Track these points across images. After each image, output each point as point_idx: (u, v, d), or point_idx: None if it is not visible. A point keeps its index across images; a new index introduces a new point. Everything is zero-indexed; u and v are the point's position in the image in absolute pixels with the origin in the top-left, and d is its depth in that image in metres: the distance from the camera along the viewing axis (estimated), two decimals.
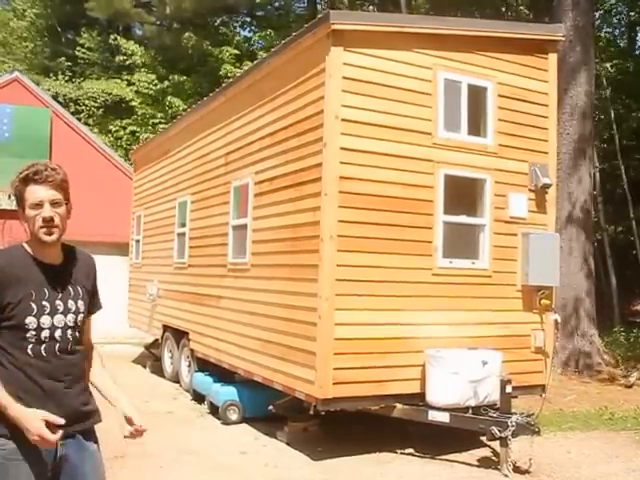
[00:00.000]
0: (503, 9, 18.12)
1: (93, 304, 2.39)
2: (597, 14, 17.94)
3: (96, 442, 2.34)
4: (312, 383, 5.49)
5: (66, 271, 2.27)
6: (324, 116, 5.61)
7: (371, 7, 21.87)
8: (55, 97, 18.98)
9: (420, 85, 6.00)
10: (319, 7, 23.27)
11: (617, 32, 21.62)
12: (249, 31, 24.63)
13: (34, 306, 2.15)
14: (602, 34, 19.76)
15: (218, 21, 23.46)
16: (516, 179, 6.47)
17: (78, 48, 22.20)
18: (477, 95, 6.36)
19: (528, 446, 5.38)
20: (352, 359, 5.51)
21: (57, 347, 2.19)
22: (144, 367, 10.68)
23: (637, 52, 21.12)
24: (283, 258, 6.20)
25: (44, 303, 2.17)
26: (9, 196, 13.38)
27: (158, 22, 23.16)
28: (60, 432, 2.09)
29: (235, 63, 20.08)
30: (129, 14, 21.81)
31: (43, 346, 2.16)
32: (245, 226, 7.06)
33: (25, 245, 2.25)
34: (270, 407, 6.38)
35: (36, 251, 2.22)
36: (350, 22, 5.71)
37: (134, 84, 20.80)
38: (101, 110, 21.07)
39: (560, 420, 7.20)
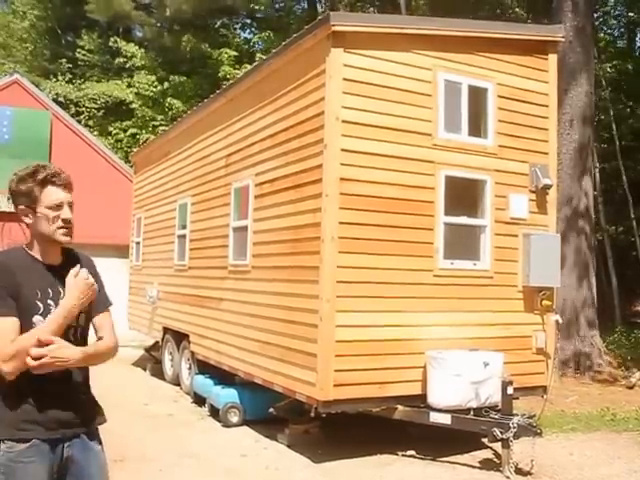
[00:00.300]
0: (498, 11, 18.11)
1: (99, 302, 2.37)
2: (596, 15, 17.94)
3: (100, 443, 2.36)
4: (313, 385, 5.47)
5: (65, 271, 2.28)
6: (325, 117, 5.60)
7: (371, 9, 21.87)
8: (56, 98, 19.02)
9: (420, 86, 5.99)
10: (319, 9, 23.28)
11: (617, 33, 21.63)
12: (249, 33, 24.67)
13: (40, 305, 2.17)
14: (602, 35, 19.76)
15: (218, 23, 23.48)
16: (517, 180, 6.46)
17: (78, 50, 22.23)
18: (477, 96, 6.36)
19: (530, 448, 5.35)
20: (353, 361, 5.50)
21: None
22: (144, 370, 10.66)
23: (637, 53, 21.12)
24: (284, 260, 6.19)
25: (49, 302, 2.19)
26: (8, 198, 13.39)
27: (158, 24, 23.17)
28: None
29: (235, 65, 20.08)
30: (129, 16, 21.82)
31: None
32: (246, 228, 7.06)
33: (24, 246, 2.27)
34: (271, 409, 6.37)
35: (38, 252, 2.24)
36: (350, 23, 5.71)
37: (134, 86, 20.81)
38: (101, 112, 21.08)
39: (562, 421, 7.18)
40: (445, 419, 5.54)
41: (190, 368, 8.55)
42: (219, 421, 6.89)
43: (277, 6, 24.32)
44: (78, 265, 2.29)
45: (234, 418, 6.81)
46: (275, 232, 6.38)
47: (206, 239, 8.26)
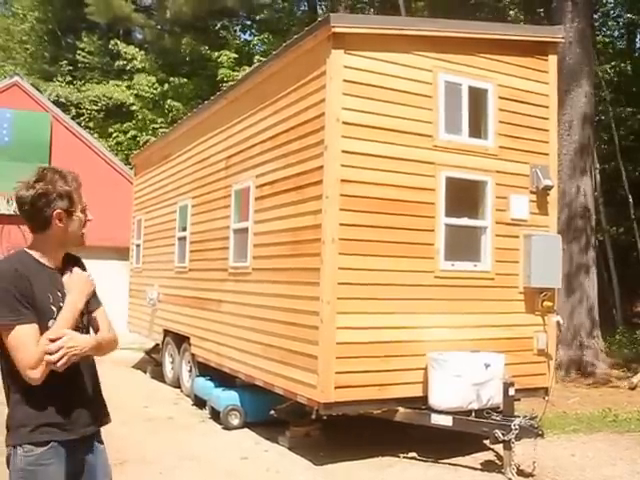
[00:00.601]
0: (495, 14, 18.09)
1: (92, 300, 2.39)
2: (596, 16, 17.95)
3: (102, 443, 2.40)
4: (314, 387, 5.46)
5: (64, 273, 2.30)
6: (325, 119, 5.60)
7: (371, 10, 21.88)
8: (57, 100, 19.03)
9: (421, 87, 5.99)
10: (320, 10, 23.30)
11: (616, 34, 21.63)
12: (249, 34, 24.68)
13: (54, 309, 2.18)
14: (601, 36, 19.76)
15: (219, 25, 23.50)
16: (517, 181, 6.45)
17: (78, 52, 22.24)
18: (478, 97, 6.36)
19: (532, 449, 5.33)
20: (354, 363, 5.48)
21: None
22: (145, 372, 10.64)
23: (636, 54, 21.12)
24: (284, 262, 6.18)
25: (61, 304, 2.21)
26: (7, 200, 13.39)
27: (158, 26, 23.19)
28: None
29: (235, 67, 20.09)
30: (129, 18, 21.84)
31: None
32: (246, 230, 7.05)
33: (28, 250, 2.26)
34: (272, 412, 6.35)
35: (44, 256, 2.24)
36: (351, 25, 5.70)
37: (134, 88, 20.82)
38: (101, 114, 21.09)
39: (563, 423, 7.17)
40: (446, 421, 5.53)
41: (191, 370, 8.53)
42: (220, 423, 6.87)
43: (277, 8, 24.31)
44: (76, 267, 2.32)
45: (235, 420, 6.79)
46: (276, 234, 6.37)
47: (206, 241, 8.25)
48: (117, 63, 21.52)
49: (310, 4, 24.31)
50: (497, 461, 5.65)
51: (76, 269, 2.30)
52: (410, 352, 5.74)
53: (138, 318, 11.30)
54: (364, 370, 5.52)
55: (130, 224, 12.37)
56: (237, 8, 22.71)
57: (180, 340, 8.94)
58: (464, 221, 6.27)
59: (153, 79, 20.83)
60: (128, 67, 21.19)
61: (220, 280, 7.66)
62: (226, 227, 7.59)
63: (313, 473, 5.40)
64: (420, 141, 5.95)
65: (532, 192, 6.52)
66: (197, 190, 8.72)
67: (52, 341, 2.09)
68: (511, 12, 17.57)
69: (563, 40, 7.28)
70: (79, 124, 17.49)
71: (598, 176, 15.37)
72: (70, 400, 2.19)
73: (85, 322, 2.32)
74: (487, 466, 5.59)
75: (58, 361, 2.07)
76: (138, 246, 11.70)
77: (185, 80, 20.94)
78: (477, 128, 6.38)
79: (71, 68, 22.48)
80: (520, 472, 5.30)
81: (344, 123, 5.56)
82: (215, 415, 7.09)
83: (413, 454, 5.82)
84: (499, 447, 5.55)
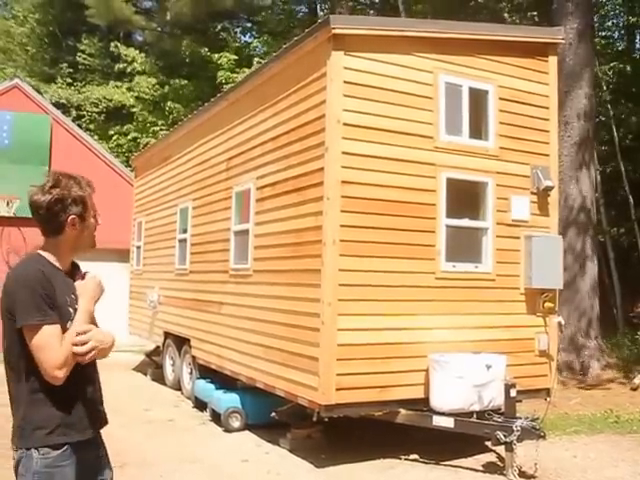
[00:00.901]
0: (493, 16, 18.08)
1: None
2: (596, 17, 17.95)
3: (103, 444, 2.41)
4: (315, 389, 5.45)
5: (72, 277, 2.34)
6: (325, 120, 5.59)
7: (372, 12, 21.89)
8: (58, 101, 19.03)
9: (421, 89, 5.99)
10: (320, 12, 23.31)
11: (616, 34, 21.63)
12: (250, 36, 24.69)
13: (72, 311, 2.21)
14: (601, 37, 19.77)
15: (219, 27, 23.51)
16: (518, 182, 6.45)
17: (79, 54, 22.25)
18: (478, 98, 6.35)
19: (533, 450, 5.33)
20: (355, 365, 5.47)
21: None
22: (145, 375, 10.63)
23: (636, 55, 21.11)
24: (285, 263, 6.17)
25: (76, 307, 2.24)
26: (7, 203, 13.38)
27: (158, 28, 23.21)
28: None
29: (235, 69, 20.10)
30: (129, 20, 21.83)
31: None
32: (247, 231, 7.04)
33: (42, 253, 2.26)
34: (273, 414, 6.34)
35: (57, 260, 2.26)
36: (351, 26, 5.70)
37: (134, 90, 20.83)
38: (102, 116, 21.10)
39: (565, 424, 7.15)
40: (448, 422, 5.52)
41: (191, 373, 8.52)
42: (220, 426, 6.86)
43: (277, 9, 24.33)
44: (85, 270, 2.37)
45: (236, 423, 6.78)
46: (276, 236, 6.36)
47: (207, 243, 8.25)
48: (117, 65, 21.53)
49: (310, 6, 24.33)
50: (499, 463, 5.64)
51: (89, 274, 2.34)
52: (411, 354, 5.73)
53: (138, 320, 11.28)
54: (365, 372, 5.51)
55: (130, 226, 12.36)
56: (237, 10, 22.75)
57: (181, 342, 8.93)
58: (465, 222, 6.26)
59: (153, 81, 20.85)
60: (128, 69, 21.20)
61: (221, 282, 7.65)
62: (227, 229, 7.58)
63: (314, 475, 5.38)
64: (421, 142, 5.94)
65: (533, 193, 6.52)
66: (198, 192, 8.72)
67: (78, 335, 2.14)
68: (508, 14, 17.56)
69: (563, 41, 7.29)
70: (79, 126, 17.47)
71: (598, 177, 15.36)
72: (83, 401, 2.22)
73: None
74: (489, 468, 5.58)
75: (86, 353, 2.11)
76: (138, 248, 11.69)
77: (185, 82, 20.95)
78: (478, 129, 6.37)
79: (71, 70, 22.49)
80: (522, 474, 5.29)
81: (345, 125, 5.55)
82: (216, 417, 7.08)
83: (415, 456, 5.81)
84: (501, 449, 5.54)
